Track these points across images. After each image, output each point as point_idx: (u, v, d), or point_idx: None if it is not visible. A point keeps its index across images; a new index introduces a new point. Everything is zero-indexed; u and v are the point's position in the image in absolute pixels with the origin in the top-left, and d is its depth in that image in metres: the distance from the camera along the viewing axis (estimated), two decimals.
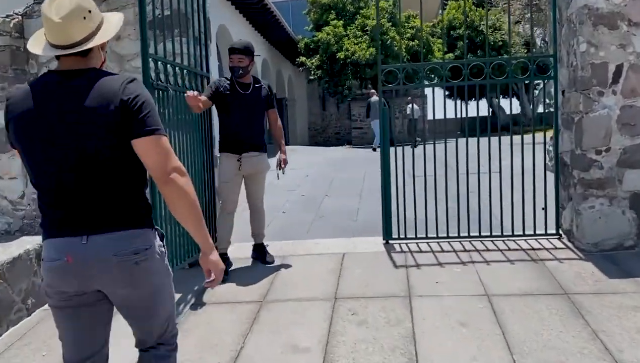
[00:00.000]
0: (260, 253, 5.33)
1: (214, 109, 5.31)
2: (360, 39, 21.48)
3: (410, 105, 18.76)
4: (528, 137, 5.58)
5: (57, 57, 2.03)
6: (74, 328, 2.14)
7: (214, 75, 5.01)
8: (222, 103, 4.88)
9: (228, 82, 4.90)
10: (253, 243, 5.38)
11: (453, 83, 5.64)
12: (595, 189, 4.99)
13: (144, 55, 4.31)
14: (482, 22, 26.12)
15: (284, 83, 26.42)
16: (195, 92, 4.49)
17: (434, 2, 28.05)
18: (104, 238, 1.98)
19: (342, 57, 21.14)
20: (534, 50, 25.35)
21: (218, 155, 5.14)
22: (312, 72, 22.27)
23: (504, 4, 19.04)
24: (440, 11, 29.65)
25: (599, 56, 4.89)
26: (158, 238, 2.14)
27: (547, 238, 5.47)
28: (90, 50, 2.02)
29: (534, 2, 18.79)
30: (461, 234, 5.60)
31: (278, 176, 5.30)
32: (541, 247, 5.28)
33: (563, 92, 5.39)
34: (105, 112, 1.91)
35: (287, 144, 23.93)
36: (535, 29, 21.87)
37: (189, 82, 5.08)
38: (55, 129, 1.94)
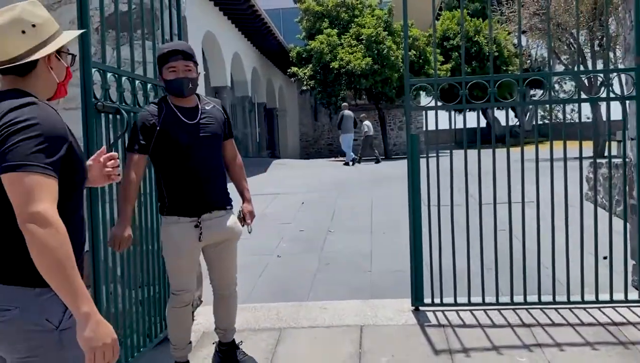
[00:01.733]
0: (231, 356, 3.59)
1: None
2: (355, 48, 20.31)
3: (365, 123, 19.02)
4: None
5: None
6: None
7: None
8: (161, 144, 3.17)
9: (162, 109, 3.18)
10: (216, 341, 3.67)
11: (504, 103, 4.36)
12: None
13: (85, 65, 2.99)
14: (480, 33, 25.22)
15: (275, 93, 25.27)
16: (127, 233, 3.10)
17: (429, 11, 26.90)
18: None
19: (335, 66, 19.98)
20: (527, 64, 24.54)
21: (164, 220, 3.35)
22: (305, 83, 21.08)
23: (510, 12, 17.88)
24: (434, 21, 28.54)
25: None
26: (47, 305, 1.75)
27: (628, 307, 4.18)
28: (31, 69, 1.84)
29: (539, 12, 17.60)
30: (515, 300, 4.29)
31: (250, 230, 3.57)
32: (625, 320, 3.98)
33: None
34: None
35: (277, 157, 23.19)
36: (533, 40, 20.68)
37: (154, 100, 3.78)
38: None
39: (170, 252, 3.30)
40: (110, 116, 3.26)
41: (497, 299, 4.30)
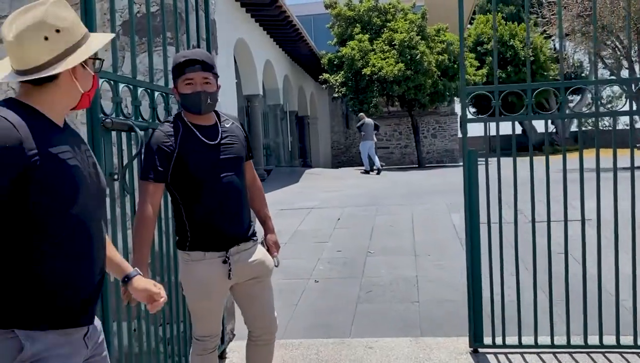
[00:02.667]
0: None
1: None
2: (387, 53, 19.80)
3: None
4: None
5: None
6: None
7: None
8: (181, 170, 2.69)
9: (179, 128, 2.71)
10: None
11: (578, 114, 3.83)
12: None
13: None
14: (516, 37, 24.56)
15: (306, 101, 24.85)
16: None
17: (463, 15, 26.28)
18: None
19: (367, 73, 19.50)
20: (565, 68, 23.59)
21: (186, 256, 2.82)
22: (336, 89, 20.63)
23: (552, 14, 17.14)
24: (468, 25, 27.96)
25: None
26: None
27: None
28: (52, 79, 1.59)
29: (585, 14, 16.87)
30: (589, 342, 3.71)
31: (277, 263, 3.05)
32: None
33: None
34: None
35: (309, 165, 22.76)
36: (576, 44, 19.87)
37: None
38: None
39: (195, 294, 2.81)
40: (124, 134, 2.81)
41: (569, 340, 3.73)
